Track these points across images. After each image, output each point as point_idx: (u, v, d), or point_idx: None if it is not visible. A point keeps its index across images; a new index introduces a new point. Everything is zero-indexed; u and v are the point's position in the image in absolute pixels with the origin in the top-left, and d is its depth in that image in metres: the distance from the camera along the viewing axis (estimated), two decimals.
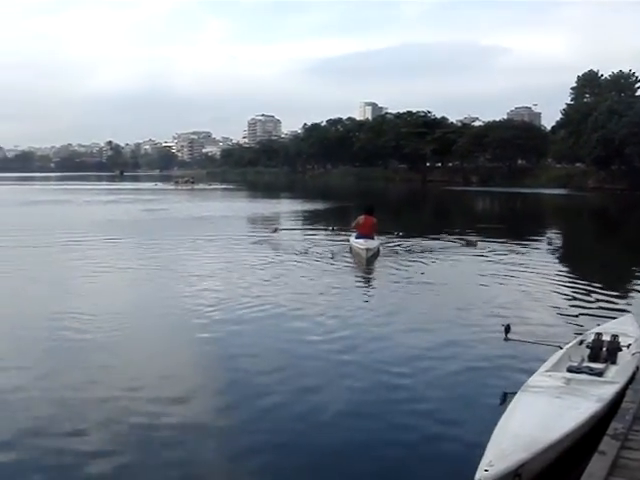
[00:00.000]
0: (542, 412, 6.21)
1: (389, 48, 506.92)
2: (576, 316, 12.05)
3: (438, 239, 23.91)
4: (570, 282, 16.07)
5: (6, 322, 11.77)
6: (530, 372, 7.53)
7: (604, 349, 8.03)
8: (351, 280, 16.37)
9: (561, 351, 8.11)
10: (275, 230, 25.40)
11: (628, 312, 10.75)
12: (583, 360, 7.87)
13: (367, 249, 19.18)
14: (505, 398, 7.00)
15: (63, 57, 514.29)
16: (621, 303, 13.27)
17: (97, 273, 16.58)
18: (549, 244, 25.88)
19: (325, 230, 26.48)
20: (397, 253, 20.65)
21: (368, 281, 16.83)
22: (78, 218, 35.58)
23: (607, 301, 13.36)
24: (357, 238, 20.38)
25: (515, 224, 36.93)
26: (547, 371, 7.38)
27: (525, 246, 23.18)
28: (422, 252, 20.67)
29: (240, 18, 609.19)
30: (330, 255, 19.73)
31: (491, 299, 13.59)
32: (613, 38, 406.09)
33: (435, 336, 10.63)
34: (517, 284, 15.42)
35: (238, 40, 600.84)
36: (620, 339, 8.21)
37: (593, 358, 7.95)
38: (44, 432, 6.95)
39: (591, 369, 7.35)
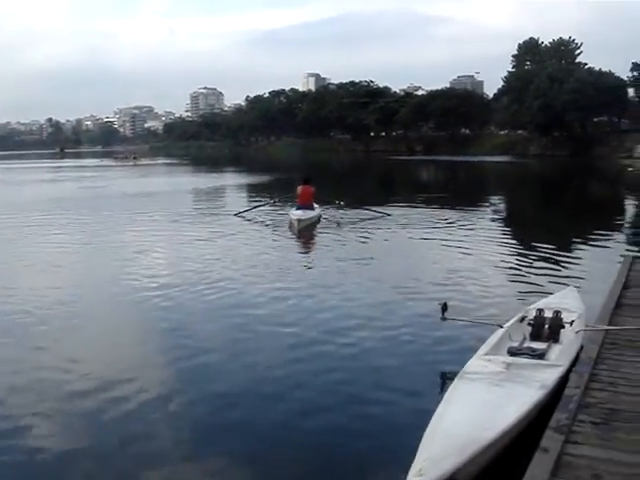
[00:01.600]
0: (479, 405, 5.68)
1: (330, 18, 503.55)
2: (518, 290, 11.74)
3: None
4: (512, 252, 15.96)
5: None
6: (469, 354, 7.03)
7: (546, 326, 7.66)
8: (284, 253, 16.26)
9: (501, 330, 7.64)
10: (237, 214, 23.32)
11: (569, 285, 10.26)
12: (525, 339, 7.54)
13: (299, 220, 19.44)
14: (444, 381, 6.81)
15: None
16: (563, 273, 12.94)
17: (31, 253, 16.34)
18: (493, 212, 25.55)
19: (268, 203, 25.69)
20: (337, 222, 20.55)
21: (302, 254, 16.86)
22: (9, 198, 34.33)
23: (549, 273, 13.06)
24: (297, 210, 20.51)
25: (458, 192, 36.82)
26: (486, 354, 6.91)
27: (466, 215, 23.04)
28: (361, 222, 20.74)
29: None
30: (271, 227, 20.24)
31: (429, 273, 13.21)
32: (553, 6, 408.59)
33: (365, 316, 10.11)
34: (457, 256, 15.10)
35: (178, 13, 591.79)
36: (563, 315, 7.81)
37: (535, 336, 7.59)
38: None
39: (533, 350, 6.94)
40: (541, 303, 8.60)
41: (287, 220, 20.80)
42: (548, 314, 7.84)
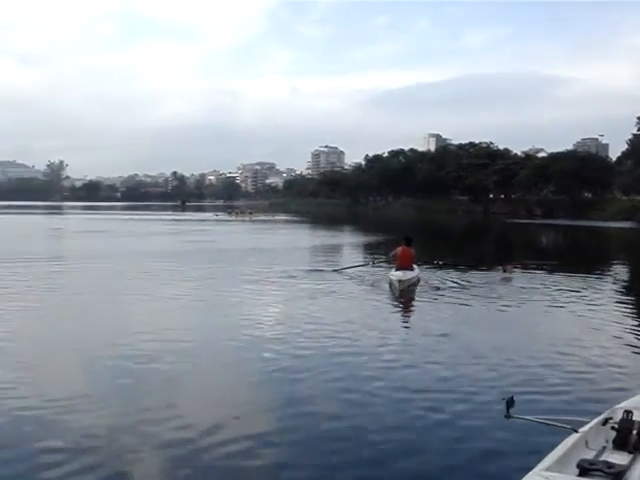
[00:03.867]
0: None
1: (452, 79, 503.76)
2: (619, 377, 10.58)
3: (485, 271, 23.69)
4: (624, 329, 14.53)
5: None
6: (529, 466, 5.84)
7: (634, 432, 6.36)
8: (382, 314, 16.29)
9: (576, 435, 6.34)
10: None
11: None
12: (604, 449, 6.34)
13: (400, 281, 19.58)
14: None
15: (131, 90, 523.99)
16: None
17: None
18: (614, 281, 24.30)
19: (367, 264, 25.52)
20: (437, 287, 20.38)
21: (397, 316, 16.79)
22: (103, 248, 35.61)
23: None
24: (396, 270, 20.69)
25: (574, 258, 35.77)
26: (548, 468, 5.64)
27: (581, 284, 21.87)
28: (464, 286, 20.53)
29: (302, 50, 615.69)
30: (370, 285, 20.43)
31: (512, 351, 12.17)
32: None
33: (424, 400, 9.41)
34: (552, 333, 14.02)
35: (301, 72, 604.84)
36: None
37: (618, 445, 6.34)
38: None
39: (610, 466, 5.63)
40: (632, 401, 7.37)
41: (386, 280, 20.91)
42: (637, 417, 6.53)
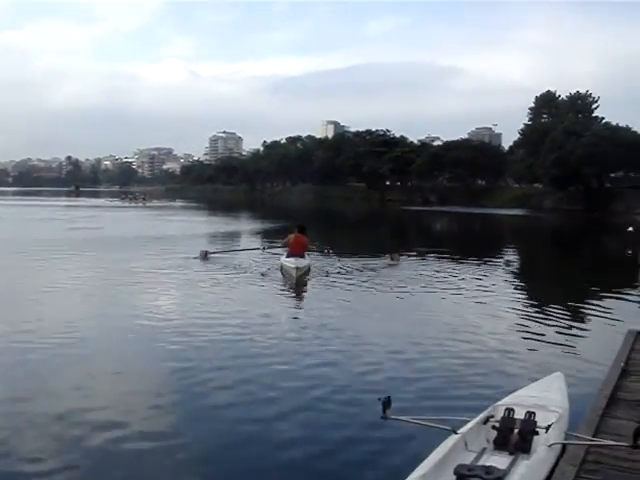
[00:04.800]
0: None
1: (351, 67, 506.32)
2: (499, 369, 10.15)
3: (372, 257, 23.70)
4: (508, 314, 14.65)
5: None
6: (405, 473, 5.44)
7: (515, 431, 6.07)
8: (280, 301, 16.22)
9: (455, 437, 5.95)
10: (205, 255, 23.30)
11: (556, 371, 8.31)
12: (485, 450, 5.97)
13: (297, 267, 19.32)
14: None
15: (25, 72, 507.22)
16: (557, 350, 11.27)
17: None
18: (505, 265, 24.78)
19: (257, 249, 25.35)
20: (327, 272, 20.34)
21: (295, 301, 16.78)
22: None
23: (541, 347, 11.60)
24: (288, 257, 20.52)
25: (462, 245, 36.08)
26: (423, 476, 5.25)
27: (472, 269, 22.38)
28: (352, 272, 20.63)
29: (202, 35, 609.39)
30: (260, 274, 19.83)
31: (398, 340, 11.83)
32: (569, 60, 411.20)
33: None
34: (443, 319, 13.92)
35: (200, 58, 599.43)
36: (538, 417, 6.19)
37: (499, 444, 6.02)
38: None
39: (488, 471, 5.15)
40: (515, 397, 7.05)
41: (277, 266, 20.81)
42: (519, 414, 6.24)
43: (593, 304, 16.10)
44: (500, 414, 6.37)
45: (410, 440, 6.90)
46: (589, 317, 14.84)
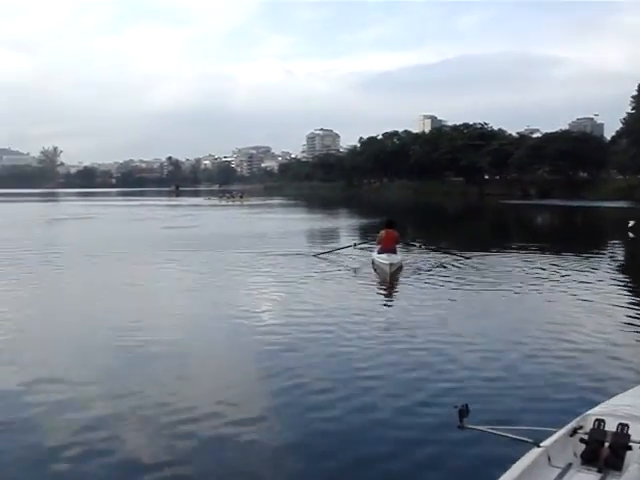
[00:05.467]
0: None
1: (446, 61, 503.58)
2: (596, 376, 9.39)
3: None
4: (614, 318, 13.38)
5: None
6: None
7: (606, 445, 5.34)
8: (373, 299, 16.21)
9: (537, 450, 5.36)
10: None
11: None
12: (570, 466, 5.32)
13: (391, 264, 19.20)
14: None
15: (125, 75, 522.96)
16: None
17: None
18: (611, 261, 23.85)
19: (348, 247, 24.77)
20: (419, 268, 20.52)
21: (388, 299, 16.61)
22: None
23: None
24: (379, 253, 20.59)
25: (564, 239, 34.85)
26: None
27: (570, 265, 21.16)
28: (447, 268, 20.47)
29: (296, 33, 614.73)
30: (353, 271, 20.21)
31: (493, 341, 11.47)
32: None
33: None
34: (545, 317, 13.37)
35: (295, 56, 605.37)
36: (631, 429, 5.39)
37: (587, 460, 5.32)
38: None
39: None
40: (607, 405, 6.29)
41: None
42: (611, 426, 5.48)
43: None
44: (589, 425, 5.65)
45: (489, 453, 6.50)
46: None
